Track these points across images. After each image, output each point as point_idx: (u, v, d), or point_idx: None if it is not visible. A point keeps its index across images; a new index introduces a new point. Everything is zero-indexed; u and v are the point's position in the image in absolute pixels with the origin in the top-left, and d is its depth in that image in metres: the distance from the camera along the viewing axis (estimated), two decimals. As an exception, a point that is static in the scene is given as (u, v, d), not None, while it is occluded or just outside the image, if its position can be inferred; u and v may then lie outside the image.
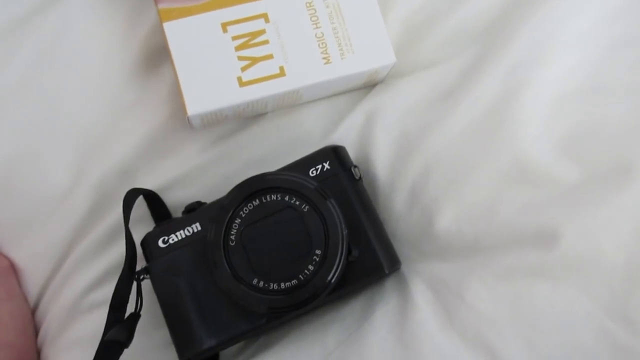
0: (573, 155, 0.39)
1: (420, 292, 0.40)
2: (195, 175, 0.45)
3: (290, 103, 0.44)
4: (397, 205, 0.42)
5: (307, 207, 0.38)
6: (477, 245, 0.40)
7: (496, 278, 0.38)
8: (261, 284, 0.37)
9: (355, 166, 0.41)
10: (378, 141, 0.43)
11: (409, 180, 0.43)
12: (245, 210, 0.38)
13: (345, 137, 0.44)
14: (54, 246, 0.45)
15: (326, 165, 0.40)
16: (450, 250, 0.41)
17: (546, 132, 0.40)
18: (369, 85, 0.45)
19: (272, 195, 0.38)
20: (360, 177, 0.40)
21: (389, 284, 0.42)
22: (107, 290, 0.43)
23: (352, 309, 0.41)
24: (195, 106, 0.40)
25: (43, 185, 0.45)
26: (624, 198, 0.37)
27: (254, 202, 0.38)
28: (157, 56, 0.45)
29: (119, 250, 0.44)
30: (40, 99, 0.44)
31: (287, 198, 0.38)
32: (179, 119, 0.44)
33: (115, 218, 0.44)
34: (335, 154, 0.40)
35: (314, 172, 0.40)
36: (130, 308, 0.39)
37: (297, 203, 0.38)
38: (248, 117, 0.44)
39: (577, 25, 0.41)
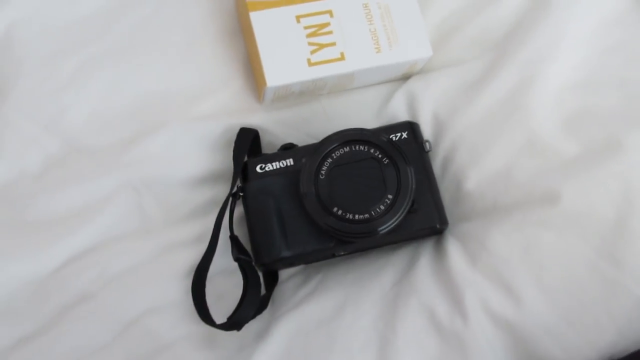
0: (573, 133, 0.48)
1: (451, 244, 0.48)
2: (263, 141, 0.53)
3: (344, 86, 0.53)
4: None
5: (387, 161, 0.46)
6: (496, 204, 0.48)
7: (511, 229, 0.46)
8: (340, 212, 0.45)
9: (427, 140, 0.49)
10: (416, 121, 0.52)
11: (441, 154, 0.51)
12: (337, 153, 0.46)
13: (391, 117, 0.52)
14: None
15: (404, 135, 0.48)
16: (474, 210, 0.49)
17: (552, 115, 0.49)
18: (407, 77, 0.55)
19: (361, 146, 0.46)
20: (429, 150, 0.48)
21: (428, 242, 0.50)
22: None
23: (401, 257, 0.49)
24: (273, 79, 0.49)
25: (113, 142, 0.51)
26: (613, 165, 0.45)
27: (345, 148, 0.46)
28: (230, 38, 0.54)
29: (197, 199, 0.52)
30: (133, 64, 0.52)
31: (372, 150, 0.46)
32: (249, 92, 0.53)
33: (194, 173, 0.52)
34: (412, 127, 0.49)
35: (394, 137, 0.48)
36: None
37: (380, 156, 0.46)
38: (308, 96, 0.53)
39: (579, 30, 0.50)
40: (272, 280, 0.50)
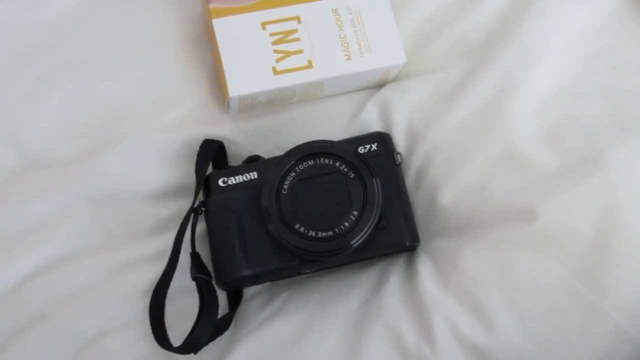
0: (554, 145, 0.45)
1: (422, 263, 0.46)
2: (228, 152, 0.51)
3: (314, 95, 0.51)
4: None
5: (353, 175, 0.44)
6: (471, 220, 0.46)
7: (486, 248, 0.44)
8: (302, 229, 0.43)
9: (398, 152, 0.47)
10: (390, 132, 0.50)
11: (415, 166, 0.49)
12: (300, 167, 0.44)
13: (363, 127, 0.50)
14: None
15: (374, 147, 0.46)
16: (448, 226, 0.47)
17: (532, 126, 0.46)
18: (381, 85, 0.52)
19: (326, 159, 0.44)
20: (400, 163, 0.46)
21: (399, 258, 0.48)
22: None
23: (370, 276, 0.47)
24: (236, 89, 0.47)
25: (73, 154, 0.49)
26: (595, 180, 0.43)
27: (309, 162, 0.44)
28: (197, 47, 0.51)
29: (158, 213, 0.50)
30: (94, 72, 0.50)
31: (337, 164, 0.44)
32: (215, 101, 0.51)
33: (155, 187, 0.50)
34: (382, 139, 0.47)
35: (363, 149, 0.46)
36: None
37: (345, 170, 0.44)
38: (278, 105, 0.51)
39: (563, 36, 0.48)
40: (235, 299, 0.48)
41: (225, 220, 0.45)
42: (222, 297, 0.48)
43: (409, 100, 0.50)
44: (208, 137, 0.49)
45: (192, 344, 0.43)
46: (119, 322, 0.47)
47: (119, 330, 0.46)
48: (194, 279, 0.45)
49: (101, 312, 0.47)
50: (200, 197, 0.48)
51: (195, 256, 0.46)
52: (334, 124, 0.51)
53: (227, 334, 0.47)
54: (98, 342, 0.46)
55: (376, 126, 0.51)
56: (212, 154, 0.48)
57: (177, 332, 0.44)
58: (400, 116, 0.50)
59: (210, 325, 0.43)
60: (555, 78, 0.47)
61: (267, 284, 0.50)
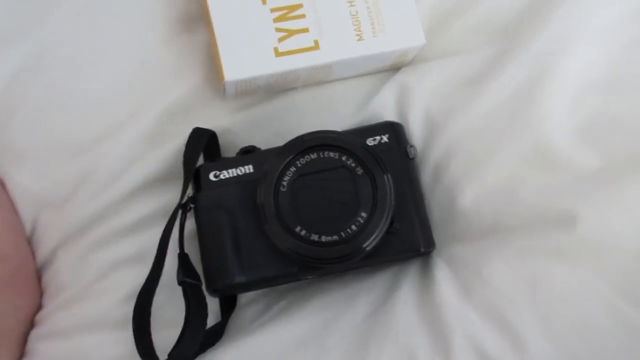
0: (592, 143, 0.41)
1: (440, 270, 0.41)
2: (224, 142, 0.45)
3: (320, 79, 0.45)
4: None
5: (361, 171, 0.39)
6: (496, 225, 0.41)
7: (514, 257, 0.39)
8: (303, 232, 0.38)
9: (411, 145, 0.42)
10: (405, 121, 0.44)
11: (432, 162, 0.44)
12: (302, 161, 0.39)
13: (375, 114, 0.45)
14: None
15: (384, 138, 0.41)
16: (470, 230, 0.42)
17: (567, 119, 0.41)
18: (396, 68, 0.47)
19: (331, 153, 0.39)
20: (414, 157, 0.42)
21: (413, 263, 0.43)
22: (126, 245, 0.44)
23: (378, 282, 0.43)
24: (232, 72, 0.41)
25: (70, 136, 0.45)
26: None
27: (311, 155, 0.39)
28: (191, 24, 0.46)
29: (141, 209, 0.44)
30: (76, 56, 0.45)
31: (344, 158, 0.39)
32: (211, 85, 0.45)
33: (140, 177, 0.45)
34: (394, 129, 0.42)
35: (372, 141, 0.41)
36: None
37: (353, 165, 0.39)
38: (279, 90, 0.45)
39: (601, 19, 0.43)
40: (229, 306, 0.44)
41: (217, 220, 0.40)
42: (214, 303, 0.43)
43: (428, 85, 0.45)
44: (200, 124, 0.44)
45: (177, 358, 0.38)
46: (99, 329, 0.43)
47: (99, 341, 0.42)
48: (180, 283, 0.40)
49: (79, 317, 0.43)
50: (190, 192, 0.43)
51: (183, 258, 0.41)
52: (340, 110, 0.46)
53: (218, 345, 0.42)
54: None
55: (389, 114, 0.45)
56: (202, 145, 0.43)
57: (166, 342, 0.40)
58: (418, 104, 0.45)
59: (197, 337, 0.39)
60: (592, 67, 0.42)
61: (263, 290, 0.45)
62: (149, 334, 0.40)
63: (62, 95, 0.45)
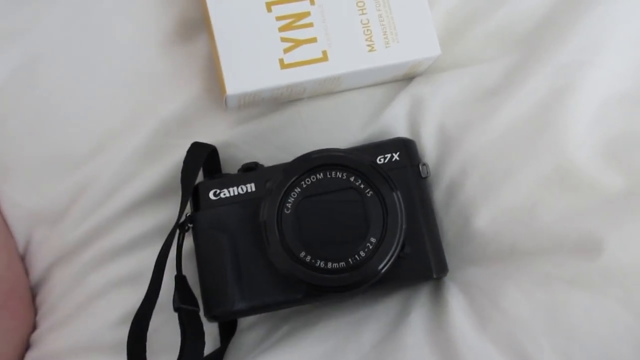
0: (618, 163, 0.38)
1: (453, 296, 0.39)
2: (225, 156, 0.43)
3: (328, 90, 0.43)
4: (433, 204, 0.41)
5: (371, 192, 0.37)
6: (514, 250, 0.39)
7: (533, 284, 0.37)
8: (308, 258, 0.36)
9: (424, 164, 0.40)
10: (417, 136, 0.42)
11: (446, 179, 0.42)
12: (307, 181, 0.37)
13: (386, 128, 0.42)
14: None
15: (395, 156, 0.39)
16: (485, 254, 0.40)
17: (591, 137, 0.39)
18: (408, 78, 0.44)
19: (339, 173, 0.37)
20: (426, 176, 0.40)
21: (424, 286, 0.41)
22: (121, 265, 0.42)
23: (386, 308, 0.40)
24: (234, 86, 0.38)
25: (64, 150, 0.43)
26: None
27: (317, 175, 0.37)
28: (192, 30, 0.43)
29: (137, 227, 0.42)
30: (69, 65, 0.43)
31: (352, 179, 0.37)
32: (211, 96, 0.43)
33: (137, 193, 0.43)
34: (406, 147, 0.39)
35: (382, 159, 0.39)
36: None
37: (362, 186, 0.37)
38: (284, 101, 0.43)
39: (628, 29, 0.40)
40: (228, 330, 0.42)
41: (217, 241, 0.38)
42: (213, 326, 0.41)
43: (442, 98, 0.42)
44: (200, 137, 0.42)
45: None
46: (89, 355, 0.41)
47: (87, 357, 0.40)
48: (176, 310, 0.38)
49: (70, 342, 0.41)
50: (188, 210, 0.40)
51: (180, 281, 0.39)
52: (349, 124, 0.44)
53: None
54: None
55: (400, 128, 0.43)
56: (202, 161, 0.41)
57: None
58: (431, 117, 0.42)
59: None
60: (618, 80, 0.40)
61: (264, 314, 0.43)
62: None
63: (55, 106, 0.43)
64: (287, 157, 0.38)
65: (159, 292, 0.38)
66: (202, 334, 0.38)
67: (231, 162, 0.43)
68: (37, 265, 0.43)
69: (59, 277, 0.42)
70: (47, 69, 0.43)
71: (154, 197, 0.43)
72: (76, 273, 0.42)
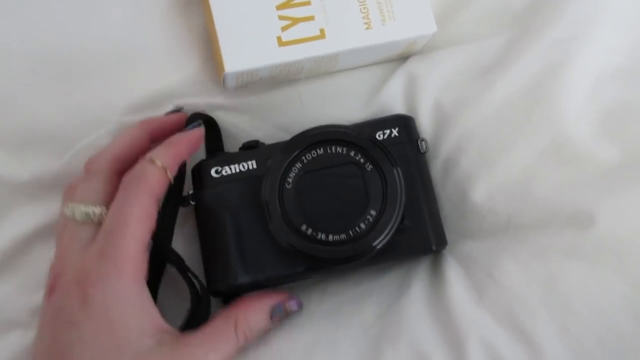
0: (613, 136, 0.39)
1: (451, 269, 0.39)
2: (224, 135, 0.43)
3: (325, 69, 0.43)
4: None
5: (371, 166, 0.37)
6: (510, 223, 0.39)
7: (529, 257, 0.38)
8: (309, 231, 0.36)
9: (422, 139, 0.40)
10: (414, 113, 0.42)
11: (443, 155, 0.42)
12: (308, 156, 0.37)
13: (383, 106, 0.43)
14: None
15: (394, 132, 0.39)
16: (482, 228, 0.41)
17: (586, 110, 0.39)
18: (404, 57, 0.45)
19: (339, 148, 0.37)
20: (425, 151, 0.40)
21: (423, 260, 0.42)
22: None
23: (387, 282, 0.41)
24: (233, 64, 0.39)
25: (45, 127, 0.42)
26: None
27: (318, 151, 0.37)
28: (187, 5, 0.43)
29: None
30: (62, 38, 0.42)
31: (352, 153, 0.37)
32: (208, 75, 0.43)
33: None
34: (405, 123, 0.40)
35: (381, 135, 0.39)
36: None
37: (362, 161, 0.37)
38: (282, 81, 0.43)
39: (620, 4, 0.40)
40: None
41: (219, 218, 0.39)
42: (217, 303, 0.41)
43: (438, 76, 0.43)
44: (196, 112, 0.42)
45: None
46: None
47: None
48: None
49: None
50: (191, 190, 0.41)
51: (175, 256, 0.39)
52: (347, 103, 0.44)
53: None
54: None
55: (397, 106, 0.43)
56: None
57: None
58: (427, 94, 0.43)
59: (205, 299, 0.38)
60: (613, 53, 0.40)
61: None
62: None
63: (47, 69, 0.42)
64: (287, 136, 0.39)
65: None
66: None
67: (231, 141, 0.44)
68: None
69: None
70: (39, 40, 0.42)
71: None
72: None
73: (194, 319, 0.38)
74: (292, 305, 0.39)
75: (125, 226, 0.34)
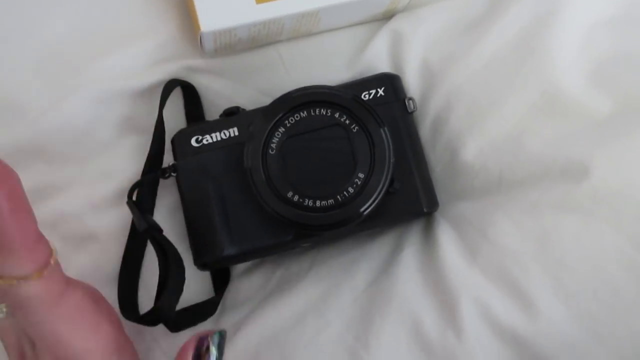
0: (605, 86, 0.37)
1: (444, 231, 0.38)
2: (204, 102, 0.42)
3: (307, 30, 0.42)
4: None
5: (357, 127, 0.36)
6: (502, 180, 0.38)
7: (522, 213, 0.37)
8: (295, 197, 0.35)
9: (410, 98, 0.39)
10: (401, 72, 0.41)
11: (432, 114, 0.41)
12: (291, 120, 0.36)
13: (368, 67, 0.41)
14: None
15: (380, 92, 0.38)
16: (473, 187, 0.40)
17: (577, 62, 0.38)
18: (389, 16, 0.43)
19: (323, 110, 0.36)
20: (413, 111, 0.39)
21: (415, 224, 0.41)
22: None
23: (379, 247, 0.40)
24: (209, 22, 0.37)
25: (14, 98, 0.41)
26: None
27: (301, 113, 0.36)
28: None
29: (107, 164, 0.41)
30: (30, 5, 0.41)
31: (337, 115, 0.36)
32: (186, 39, 0.42)
33: (108, 135, 0.42)
34: (391, 82, 0.38)
35: (367, 96, 0.38)
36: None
37: (347, 122, 0.36)
38: (263, 43, 0.42)
39: None
40: (222, 281, 0.41)
41: (202, 188, 0.38)
42: (206, 279, 0.41)
43: (424, 32, 0.41)
44: (174, 78, 0.41)
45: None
46: None
47: None
48: (144, 231, 0.37)
49: None
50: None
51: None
52: (331, 64, 0.43)
53: (211, 320, 0.40)
54: None
55: (383, 65, 0.42)
56: (168, 95, 0.40)
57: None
58: (414, 52, 0.41)
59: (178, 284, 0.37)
60: (604, 3, 0.39)
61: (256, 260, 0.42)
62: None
63: (20, 47, 0.41)
64: (269, 100, 0.37)
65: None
66: (178, 254, 0.38)
67: (212, 109, 0.42)
68: None
69: None
70: (15, 6, 0.41)
71: (128, 148, 0.41)
72: None
73: (166, 290, 0.36)
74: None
75: None
